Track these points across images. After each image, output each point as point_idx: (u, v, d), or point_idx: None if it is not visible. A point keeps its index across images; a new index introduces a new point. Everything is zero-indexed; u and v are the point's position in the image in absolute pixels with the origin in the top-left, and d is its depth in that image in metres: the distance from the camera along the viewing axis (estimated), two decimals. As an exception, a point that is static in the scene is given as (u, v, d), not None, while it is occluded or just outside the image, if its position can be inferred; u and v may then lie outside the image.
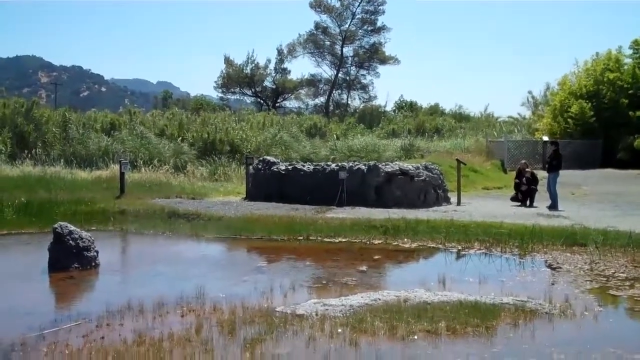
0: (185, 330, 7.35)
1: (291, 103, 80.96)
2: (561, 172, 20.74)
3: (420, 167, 20.99)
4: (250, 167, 22.84)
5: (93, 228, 15.33)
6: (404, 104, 74.44)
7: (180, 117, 42.02)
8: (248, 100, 79.95)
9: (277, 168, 21.81)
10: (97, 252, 11.64)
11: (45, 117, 35.45)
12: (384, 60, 78.37)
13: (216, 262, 12.78)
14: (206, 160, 31.74)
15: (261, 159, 23.35)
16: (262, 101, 77.94)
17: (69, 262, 11.20)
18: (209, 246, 14.46)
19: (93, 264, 11.48)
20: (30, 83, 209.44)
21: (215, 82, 77.57)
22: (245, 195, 22.41)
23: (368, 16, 76.67)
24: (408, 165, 21.58)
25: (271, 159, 23.06)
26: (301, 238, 14.41)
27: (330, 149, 38.10)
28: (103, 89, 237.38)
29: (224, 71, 76.53)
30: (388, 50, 79.21)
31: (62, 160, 29.53)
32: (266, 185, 21.60)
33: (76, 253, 11.31)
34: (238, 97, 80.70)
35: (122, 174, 21.61)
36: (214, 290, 9.38)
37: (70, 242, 11.34)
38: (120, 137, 33.52)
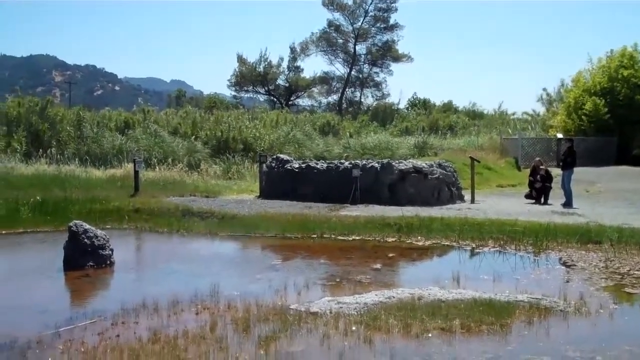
0: (200, 328, 7.38)
1: (304, 101, 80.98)
2: (575, 169, 20.64)
3: (434, 165, 20.95)
4: (264, 165, 22.89)
5: (108, 226, 15.43)
6: (417, 102, 74.35)
7: (193, 116, 42.07)
8: (261, 98, 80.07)
9: (290, 166, 21.84)
10: (112, 250, 11.70)
11: (60, 116, 35.57)
12: (397, 58, 78.21)
13: (230, 260, 12.82)
14: (220, 159, 31.80)
15: (274, 157, 23.37)
16: (275, 99, 77.96)
17: (84, 260, 11.26)
18: (223, 244, 14.51)
19: (108, 262, 11.54)
20: (44, 82, 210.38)
21: (229, 80, 77.70)
22: (258, 194, 22.45)
23: (381, 14, 76.54)
24: (422, 163, 21.54)
25: (284, 157, 23.09)
26: (315, 236, 14.43)
27: (343, 147, 38.11)
28: (117, 88, 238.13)
29: (237, 69, 76.61)
30: (401, 47, 79.21)
31: (76, 158, 29.65)
32: (280, 183, 21.63)
33: (91, 251, 11.37)
34: (251, 96, 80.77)
35: (136, 173, 21.71)
36: (228, 288, 9.41)
37: (86, 240, 11.40)
38: (134, 136, 33.64)
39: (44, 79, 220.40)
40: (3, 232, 15.39)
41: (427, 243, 13.61)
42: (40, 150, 30.56)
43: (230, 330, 7.30)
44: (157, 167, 27.33)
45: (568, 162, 20.43)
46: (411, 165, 20.40)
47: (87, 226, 11.77)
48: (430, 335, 7.04)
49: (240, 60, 76.22)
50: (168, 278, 10.84)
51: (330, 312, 7.90)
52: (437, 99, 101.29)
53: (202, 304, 8.51)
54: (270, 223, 15.59)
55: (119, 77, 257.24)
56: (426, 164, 21.16)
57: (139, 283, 10.93)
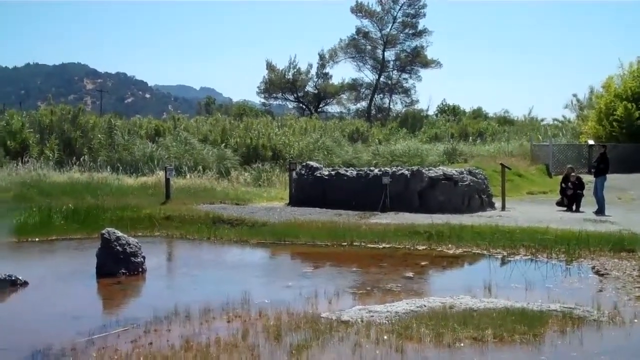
0: (232, 336, 7.40)
1: (333, 108, 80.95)
2: (607, 176, 20.38)
3: (464, 172, 20.85)
4: (294, 172, 22.93)
5: (139, 234, 15.56)
6: (446, 108, 74.02)
7: (223, 123, 42.17)
8: (290, 105, 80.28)
9: (320, 173, 21.86)
10: (144, 257, 11.79)
11: (91, 123, 35.84)
12: (426, 64, 77.91)
13: (261, 268, 12.89)
14: (249, 166, 31.90)
15: (304, 164, 23.41)
16: (304, 106, 78.10)
17: (117, 267, 11.37)
18: (254, 252, 14.56)
19: (140, 269, 11.63)
20: (75, 90, 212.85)
21: (258, 87, 78.08)
22: (288, 201, 22.49)
23: (409, 20, 76.27)
24: (452, 170, 21.46)
25: (314, 164, 23.11)
26: (345, 244, 14.42)
27: (372, 154, 38.04)
28: (147, 96, 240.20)
29: (266, 76, 76.87)
30: (430, 53, 78.75)
31: (108, 166, 29.90)
32: (309, 190, 21.66)
33: (124, 259, 11.47)
34: (280, 103, 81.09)
35: (167, 180, 21.85)
36: (259, 295, 9.44)
37: (118, 247, 11.51)
38: (165, 144, 33.80)
39: (75, 87, 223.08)
40: (36, 239, 15.58)
41: (458, 251, 13.55)
42: (73, 157, 30.83)
43: (262, 339, 7.31)
44: (187, 175, 27.48)
45: (601, 169, 20.19)
46: (441, 173, 20.33)
47: (120, 233, 11.88)
48: (462, 344, 7.00)
49: (270, 67, 76.53)
50: (199, 285, 10.92)
51: (362, 321, 7.88)
52: (467, 106, 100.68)
53: (233, 312, 8.54)
54: (300, 231, 15.62)
55: (149, 84, 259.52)
56: (456, 171, 21.08)
57: (170, 290, 11.01)
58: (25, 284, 10.59)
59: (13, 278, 10.49)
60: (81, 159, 30.67)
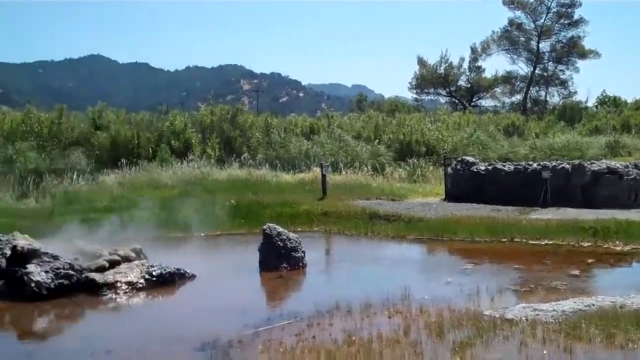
0: (394, 331, 7.41)
1: (487, 102, 79.26)
2: None
3: (630, 166, 19.86)
4: (449, 167, 22.66)
5: (298, 229, 15.81)
6: (606, 99, 70.79)
7: (375, 120, 42.29)
8: (442, 100, 79.39)
9: (476, 168, 21.48)
10: (303, 252, 12.04)
11: (249, 122, 36.84)
12: (583, 55, 74.64)
13: (419, 263, 12.87)
14: (404, 162, 31.80)
15: (459, 159, 23.07)
16: (456, 101, 77.07)
17: (278, 262, 11.68)
18: (411, 247, 14.52)
19: (300, 264, 11.89)
20: (233, 91, 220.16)
21: (409, 83, 77.67)
22: (444, 196, 22.24)
23: (564, 10, 73.30)
24: (616, 163, 20.49)
25: (470, 159, 22.73)
26: (505, 240, 14.10)
27: (529, 148, 36.96)
28: (301, 94, 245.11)
29: (417, 72, 76.37)
30: (587, 43, 75.43)
31: (266, 163, 30.67)
32: (465, 186, 21.33)
33: (285, 253, 11.76)
34: (432, 98, 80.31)
35: (323, 177, 22.13)
36: (418, 291, 9.40)
37: (279, 242, 11.82)
38: (320, 141, 34.23)
39: (232, 87, 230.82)
40: (202, 234, 16.22)
41: (626, 248, 12.92)
42: (233, 155, 31.84)
43: (424, 335, 7.27)
44: (342, 171, 27.74)
45: None
46: (604, 166, 19.46)
47: (280, 229, 12.19)
48: (636, 346, 6.66)
49: (421, 62, 75.96)
50: (358, 280, 11.03)
51: (527, 320, 7.67)
52: (629, 96, 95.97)
53: (394, 307, 8.55)
54: (457, 226, 15.40)
55: (302, 83, 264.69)
56: (621, 164, 20.12)
57: (330, 285, 11.18)
58: (193, 277, 11.09)
59: (182, 271, 11.01)
60: (241, 157, 31.64)
